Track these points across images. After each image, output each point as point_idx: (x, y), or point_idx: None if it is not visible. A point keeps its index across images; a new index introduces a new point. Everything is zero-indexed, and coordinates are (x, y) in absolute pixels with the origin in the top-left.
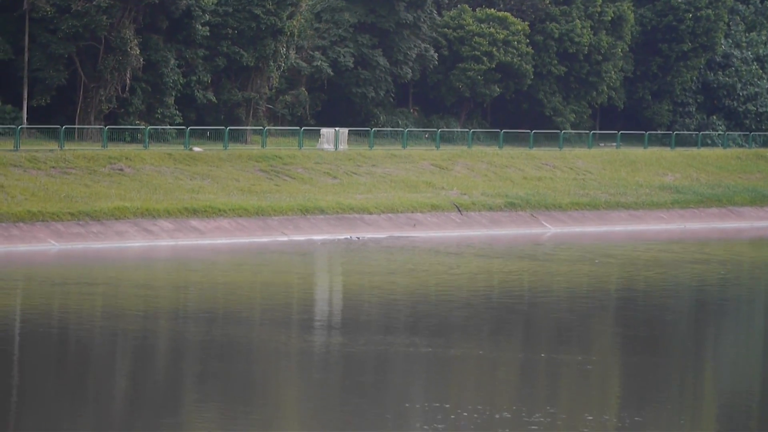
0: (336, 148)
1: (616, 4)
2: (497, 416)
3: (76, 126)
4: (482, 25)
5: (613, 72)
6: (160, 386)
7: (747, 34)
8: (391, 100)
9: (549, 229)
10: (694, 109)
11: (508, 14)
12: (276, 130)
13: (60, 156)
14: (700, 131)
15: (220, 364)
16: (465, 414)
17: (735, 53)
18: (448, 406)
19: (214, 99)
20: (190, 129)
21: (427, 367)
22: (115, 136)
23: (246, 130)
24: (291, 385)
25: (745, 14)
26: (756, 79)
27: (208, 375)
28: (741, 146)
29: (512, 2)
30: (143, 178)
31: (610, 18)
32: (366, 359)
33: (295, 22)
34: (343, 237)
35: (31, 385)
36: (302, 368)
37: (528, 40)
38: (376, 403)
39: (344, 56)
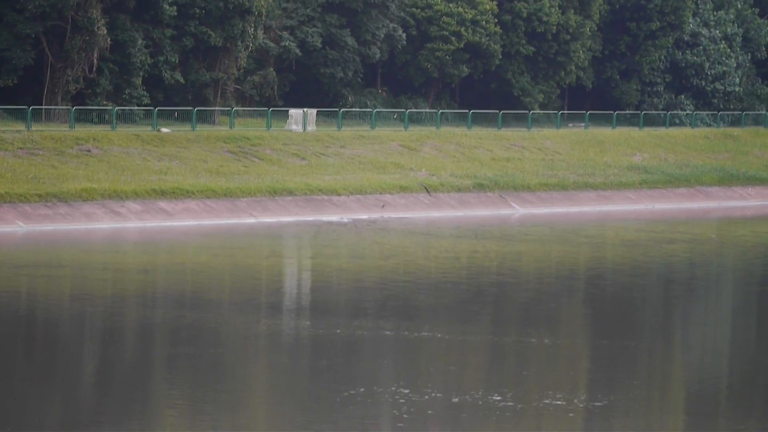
0: (304, 129)
1: None
2: (462, 400)
3: (43, 107)
4: (450, 5)
5: (581, 51)
6: (128, 370)
7: (715, 13)
8: (360, 80)
9: (517, 210)
10: (662, 89)
11: None
12: (244, 110)
13: (27, 137)
14: (668, 111)
15: (189, 348)
16: (428, 398)
17: (703, 32)
18: (407, 391)
19: (181, 79)
20: (158, 110)
21: (394, 350)
22: (83, 117)
23: (214, 110)
24: (259, 369)
25: None
26: (724, 58)
27: (177, 359)
28: (709, 126)
29: None
30: (111, 159)
31: None
32: (334, 343)
33: (262, 2)
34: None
35: None
36: (270, 352)
37: (496, 20)
38: (342, 386)
39: (312, 36)
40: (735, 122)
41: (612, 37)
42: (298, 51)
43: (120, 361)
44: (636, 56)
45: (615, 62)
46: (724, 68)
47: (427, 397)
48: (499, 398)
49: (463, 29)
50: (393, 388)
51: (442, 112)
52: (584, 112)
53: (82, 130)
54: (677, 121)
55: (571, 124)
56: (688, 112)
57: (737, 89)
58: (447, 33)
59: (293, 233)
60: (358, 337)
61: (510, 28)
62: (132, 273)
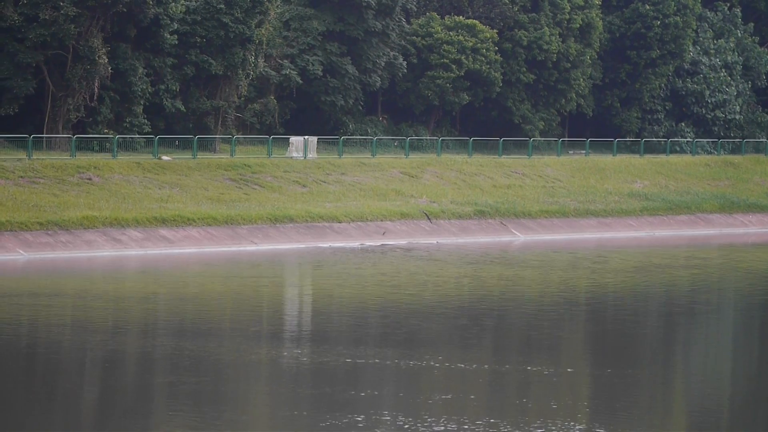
0: (305, 157)
1: (585, 11)
2: (460, 428)
3: (44, 135)
4: (451, 33)
5: (581, 79)
6: (129, 398)
7: (715, 41)
8: (360, 108)
9: (518, 237)
10: (662, 116)
11: (476, 22)
12: (245, 138)
13: (28, 165)
14: (668, 138)
15: (189, 376)
16: (427, 426)
17: (703, 60)
18: (406, 419)
19: (182, 108)
20: (159, 138)
21: (396, 379)
22: (84, 146)
23: (215, 138)
24: (260, 399)
25: (713, 21)
26: (724, 86)
27: (177, 388)
28: (709, 153)
29: (481, 10)
30: (112, 187)
31: (578, 25)
32: (335, 371)
33: (263, 31)
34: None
35: None
36: (272, 381)
37: (496, 48)
38: (341, 414)
39: (313, 64)
40: (735, 150)
41: (612, 65)
42: (298, 79)
43: (121, 389)
44: (636, 84)
45: (615, 90)
46: (725, 96)
47: (426, 425)
48: (498, 427)
49: (463, 57)
50: (391, 418)
51: (442, 140)
52: (585, 139)
53: (83, 158)
54: (678, 149)
55: (571, 152)
56: (688, 139)
57: (737, 117)
58: (447, 61)
59: (294, 260)
60: (361, 365)
61: (510, 56)
62: (133, 301)
